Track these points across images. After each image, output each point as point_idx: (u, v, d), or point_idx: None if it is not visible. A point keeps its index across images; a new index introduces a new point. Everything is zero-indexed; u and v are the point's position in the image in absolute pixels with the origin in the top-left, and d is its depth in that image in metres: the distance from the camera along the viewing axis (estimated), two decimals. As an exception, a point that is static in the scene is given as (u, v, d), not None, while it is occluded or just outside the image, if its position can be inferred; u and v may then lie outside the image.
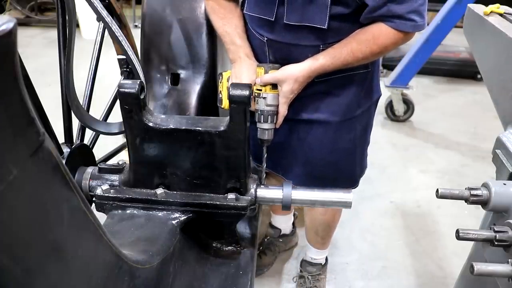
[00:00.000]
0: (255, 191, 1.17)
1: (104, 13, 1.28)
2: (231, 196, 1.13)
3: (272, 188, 1.20)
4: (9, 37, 0.42)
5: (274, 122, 1.29)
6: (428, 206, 2.49)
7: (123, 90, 1.00)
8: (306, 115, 1.38)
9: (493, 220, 0.95)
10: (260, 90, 1.27)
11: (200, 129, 1.06)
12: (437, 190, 0.86)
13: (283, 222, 2.09)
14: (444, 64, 4.08)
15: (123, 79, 1.78)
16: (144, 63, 1.54)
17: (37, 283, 0.54)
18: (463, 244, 1.03)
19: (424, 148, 3.10)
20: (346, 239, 2.24)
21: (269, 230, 2.11)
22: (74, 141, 1.43)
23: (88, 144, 1.49)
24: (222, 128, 1.06)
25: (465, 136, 3.24)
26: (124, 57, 1.61)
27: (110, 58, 2.09)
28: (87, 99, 1.53)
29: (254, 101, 1.28)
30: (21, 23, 5.06)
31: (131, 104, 1.02)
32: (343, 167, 1.48)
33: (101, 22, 1.47)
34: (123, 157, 1.58)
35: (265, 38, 1.30)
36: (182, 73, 1.53)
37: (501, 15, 1.21)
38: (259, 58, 1.35)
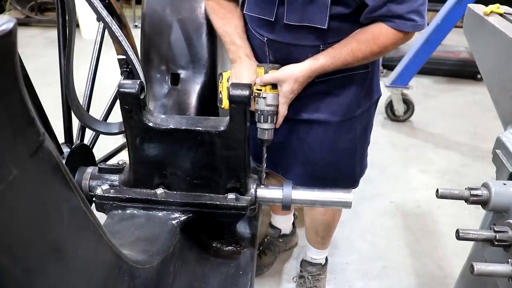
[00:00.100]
0: (255, 191, 1.17)
1: (104, 13, 1.28)
2: (231, 196, 1.13)
3: (272, 188, 1.20)
4: (9, 37, 0.42)
5: (274, 122, 1.29)
6: (428, 206, 2.49)
7: (123, 90, 1.00)
8: (306, 115, 1.38)
9: (493, 220, 0.95)
10: (260, 90, 1.27)
11: (200, 129, 1.06)
12: (437, 190, 0.86)
13: (283, 222, 2.09)
14: (444, 64, 4.08)
15: (123, 79, 1.78)
16: (144, 63, 1.54)
17: (37, 283, 0.54)
18: (463, 244, 1.03)
19: (424, 148, 3.10)
20: (346, 239, 2.24)
21: (269, 230, 2.11)
22: (74, 141, 1.43)
23: (88, 144, 1.49)
24: (222, 128, 1.06)
25: (465, 136, 3.24)
26: (124, 57, 1.62)
27: (110, 58, 2.08)
28: (87, 99, 1.53)
29: (254, 101, 1.28)
30: (21, 23, 5.06)
31: (131, 104, 1.02)
32: (343, 167, 1.48)
33: (101, 22, 1.47)
34: (123, 157, 1.57)
35: (265, 38, 1.30)
36: (182, 73, 1.53)
37: (501, 15, 1.21)
38: (259, 58, 1.35)
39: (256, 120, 1.29)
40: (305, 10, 1.17)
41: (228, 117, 1.05)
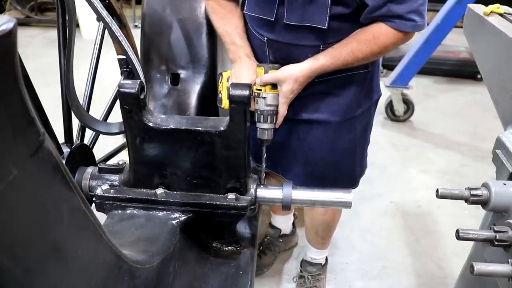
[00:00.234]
0: (255, 191, 1.17)
1: (104, 13, 1.28)
2: (231, 196, 1.13)
3: (272, 188, 1.20)
4: (9, 37, 0.42)
5: (274, 122, 1.29)
6: (428, 206, 2.49)
7: (123, 90, 1.00)
8: (306, 115, 1.38)
9: (493, 220, 0.95)
10: (260, 90, 1.27)
11: (200, 129, 1.06)
12: (437, 190, 0.86)
13: (283, 222, 2.09)
14: (444, 64, 4.08)
15: (123, 79, 1.78)
16: (144, 63, 1.54)
17: (37, 283, 0.54)
18: (463, 244, 1.03)
19: (424, 148, 3.10)
20: (346, 239, 2.24)
21: (269, 230, 2.11)
22: (74, 141, 1.43)
23: (88, 144, 1.49)
24: (222, 128, 1.06)
25: (465, 136, 3.24)
26: (124, 57, 1.62)
27: (110, 58, 2.08)
28: (87, 99, 1.53)
29: (254, 101, 1.28)
30: (21, 23, 5.06)
31: (131, 104, 1.02)
32: (343, 167, 1.48)
33: (101, 22, 1.47)
34: (123, 157, 1.57)
35: (265, 38, 1.30)
36: (182, 73, 1.53)
37: (501, 15, 1.21)
38: (259, 58, 1.35)
39: (256, 120, 1.29)
40: (305, 10, 1.17)
41: (228, 117, 1.05)
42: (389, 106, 3.39)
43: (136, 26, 4.80)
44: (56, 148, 0.96)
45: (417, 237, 2.27)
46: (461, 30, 1.41)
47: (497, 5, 1.24)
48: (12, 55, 0.44)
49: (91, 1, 1.24)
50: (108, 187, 1.15)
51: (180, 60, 1.53)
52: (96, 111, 1.58)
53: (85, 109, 1.45)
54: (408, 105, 3.38)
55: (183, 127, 1.07)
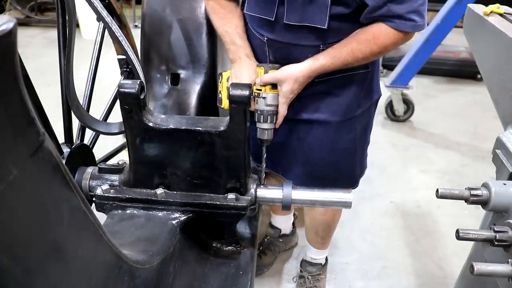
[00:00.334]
0: (255, 191, 1.17)
1: (104, 13, 1.28)
2: (231, 196, 1.13)
3: (272, 188, 1.20)
4: (9, 37, 0.42)
5: (274, 122, 1.29)
6: (428, 206, 2.49)
7: (123, 90, 1.00)
8: (306, 115, 1.38)
9: (493, 220, 0.95)
10: (260, 90, 1.27)
11: (200, 129, 1.06)
12: (437, 190, 0.86)
13: (283, 222, 2.09)
14: (444, 64, 4.08)
15: (123, 79, 1.78)
16: (144, 63, 1.54)
17: (37, 283, 0.54)
18: (463, 244, 1.03)
19: (424, 148, 3.10)
20: (346, 239, 2.24)
21: (269, 230, 2.11)
22: (74, 141, 1.43)
23: (88, 144, 1.49)
24: (222, 128, 1.06)
25: (465, 136, 3.24)
26: (124, 57, 1.62)
27: (110, 58, 2.08)
28: (87, 99, 1.53)
29: (254, 101, 1.28)
30: (21, 23, 5.06)
31: (131, 104, 1.02)
32: (343, 167, 1.48)
33: (101, 22, 1.47)
34: (123, 157, 1.57)
35: (265, 38, 1.30)
36: (182, 73, 1.53)
37: (501, 15, 1.21)
38: (259, 58, 1.35)
39: (256, 120, 1.29)
40: (305, 10, 1.17)
41: (228, 117, 1.05)
42: (389, 106, 3.39)
43: (136, 26, 4.80)
44: (56, 148, 0.96)
45: (417, 237, 2.27)
46: (461, 30, 1.41)
47: (497, 5, 1.24)
48: (12, 55, 0.44)
49: (91, 1, 1.24)
50: (108, 187, 1.15)
51: (180, 60, 1.53)
52: (96, 111, 1.58)
53: (85, 109, 1.45)
54: (408, 105, 3.38)
55: (183, 127, 1.07)
